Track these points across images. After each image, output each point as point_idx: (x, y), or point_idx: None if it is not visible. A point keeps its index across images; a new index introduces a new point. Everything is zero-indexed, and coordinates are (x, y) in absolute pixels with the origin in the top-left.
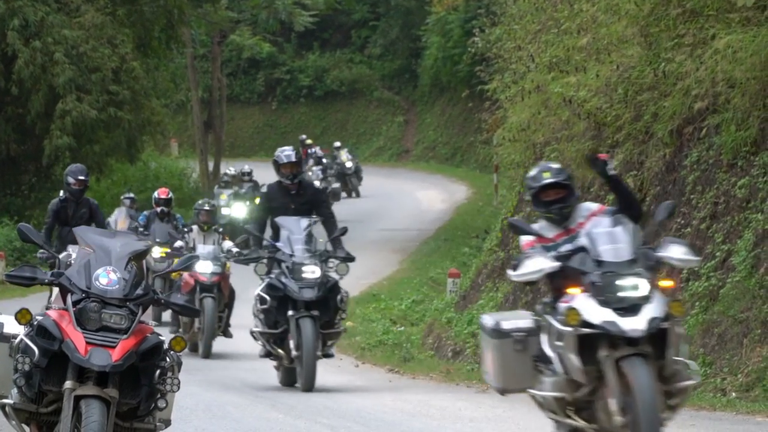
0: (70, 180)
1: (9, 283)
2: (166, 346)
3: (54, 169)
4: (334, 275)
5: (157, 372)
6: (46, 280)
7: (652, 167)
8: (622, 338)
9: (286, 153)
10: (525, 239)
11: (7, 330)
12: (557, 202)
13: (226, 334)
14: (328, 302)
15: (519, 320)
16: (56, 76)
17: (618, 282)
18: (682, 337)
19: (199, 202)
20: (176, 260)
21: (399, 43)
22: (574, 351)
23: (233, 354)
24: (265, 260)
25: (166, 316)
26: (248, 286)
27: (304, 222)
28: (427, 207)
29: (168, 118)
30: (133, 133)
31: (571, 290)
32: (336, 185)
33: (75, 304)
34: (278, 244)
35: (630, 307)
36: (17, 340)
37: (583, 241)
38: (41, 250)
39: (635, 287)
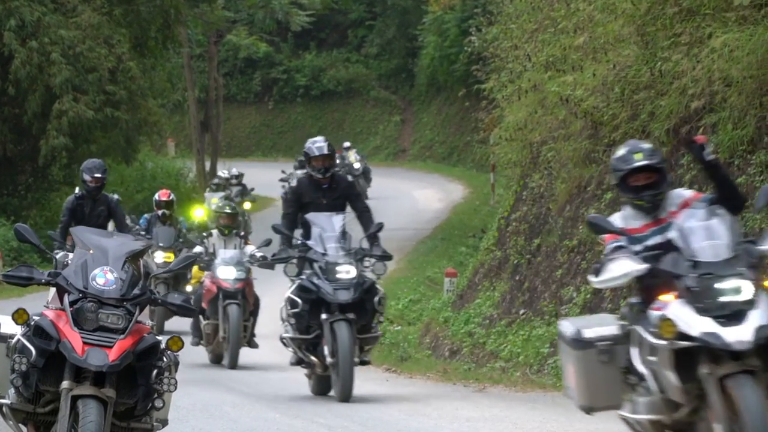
0: (86, 177)
1: (6, 283)
2: (162, 346)
3: (50, 170)
4: (370, 275)
5: (154, 372)
6: (43, 280)
7: None
8: (725, 351)
9: (318, 145)
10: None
11: (4, 330)
12: (648, 188)
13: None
14: (364, 304)
15: (603, 327)
16: (53, 76)
17: (717, 285)
18: None
19: (219, 204)
20: (195, 268)
21: (396, 42)
22: (670, 367)
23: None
24: (295, 260)
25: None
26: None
27: (338, 218)
28: (424, 206)
29: (165, 118)
30: (129, 133)
31: (663, 297)
32: None
33: (72, 304)
34: (309, 243)
35: (733, 315)
36: (14, 340)
37: (674, 236)
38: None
39: (738, 290)
